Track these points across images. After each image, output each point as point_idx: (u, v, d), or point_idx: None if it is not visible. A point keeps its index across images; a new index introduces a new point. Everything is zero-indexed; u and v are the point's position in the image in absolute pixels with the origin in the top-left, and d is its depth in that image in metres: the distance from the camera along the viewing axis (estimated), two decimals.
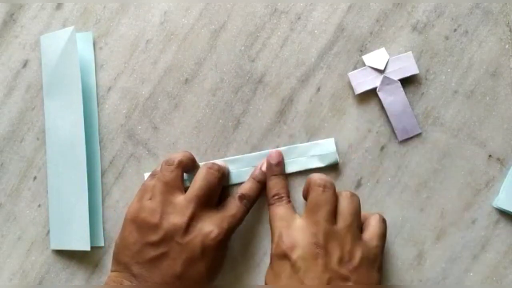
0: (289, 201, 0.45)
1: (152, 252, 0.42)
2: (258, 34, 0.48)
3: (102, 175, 0.48)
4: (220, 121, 0.48)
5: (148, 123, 0.48)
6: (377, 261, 0.41)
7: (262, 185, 0.46)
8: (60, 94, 0.47)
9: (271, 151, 0.47)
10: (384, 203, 0.47)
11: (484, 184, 0.47)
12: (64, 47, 0.47)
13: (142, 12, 0.48)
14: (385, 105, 0.46)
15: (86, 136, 0.46)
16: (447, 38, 0.47)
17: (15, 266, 0.49)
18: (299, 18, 0.48)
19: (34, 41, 0.49)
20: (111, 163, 0.48)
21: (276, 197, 0.45)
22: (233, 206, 0.45)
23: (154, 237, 0.42)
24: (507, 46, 0.47)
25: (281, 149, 0.47)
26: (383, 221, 0.43)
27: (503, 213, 0.46)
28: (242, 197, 0.45)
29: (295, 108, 0.47)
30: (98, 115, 0.48)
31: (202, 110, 0.48)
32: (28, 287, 0.48)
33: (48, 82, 0.48)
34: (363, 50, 0.47)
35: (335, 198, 0.42)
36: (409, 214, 0.47)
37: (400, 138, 0.47)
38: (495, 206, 0.46)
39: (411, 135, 0.47)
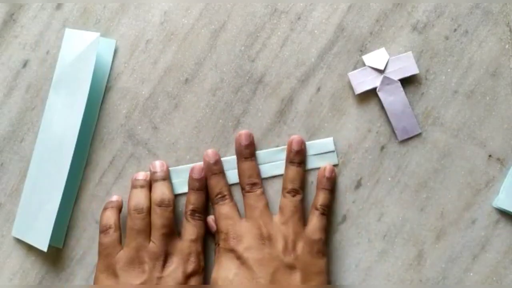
0: (232, 199, 0.47)
1: None
2: (258, 34, 0.48)
3: (102, 175, 0.48)
4: (220, 121, 0.48)
5: (148, 123, 0.48)
6: (321, 251, 0.45)
7: (203, 190, 0.47)
8: (66, 94, 0.47)
9: (207, 150, 0.47)
10: (384, 203, 0.47)
11: (484, 184, 0.47)
12: (85, 49, 0.47)
13: (142, 12, 0.48)
14: (385, 105, 0.46)
15: (77, 141, 0.46)
16: (447, 38, 0.47)
17: (15, 266, 0.49)
18: (299, 18, 0.48)
19: (34, 41, 0.49)
20: (111, 163, 0.48)
21: (219, 195, 0.46)
22: (190, 228, 0.46)
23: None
24: (507, 46, 0.47)
25: (280, 148, 0.47)
26: (323, 215, 0.46)
27: (503, 213, 0.46)
28: (193, 214, 0.46)
29: (295, 108, 0.47)
30: (98, 115, 0.48)
31: (202, 110, 0.48)
32: (28, 287, 0.48)
33: (59, 76, 0.48)
34: (363, 50, 0.47)
35: (263, 195, 0.46)
36: (409, 214, 0.47)
37: (400, 138, 0.47)
38: (495, 206, 0.46)
39: (411, 135, 0.47)
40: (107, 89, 0.48)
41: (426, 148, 0.47)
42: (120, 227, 0.45)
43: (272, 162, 0.47)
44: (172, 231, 0.45)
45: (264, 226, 0.44)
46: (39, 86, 0.49)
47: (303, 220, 0.45)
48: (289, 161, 0.47)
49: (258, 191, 0.46)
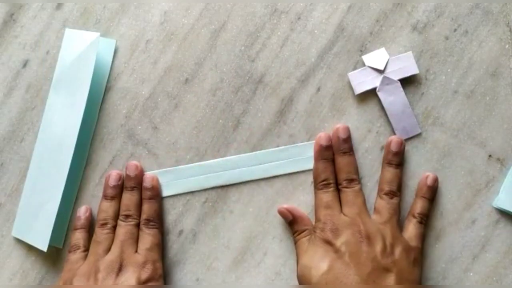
0: (336, 189, 0.45)
1: None
2: (258, 34, 0.48)
3: (102, 175, 0.48)
4: (220, 121, 0.48)
5: (148, 123, 0.48)
6: (417, 260, 0.43)
7: (155, 199, 0.47)
8: (66, 94, 0.47)
9: (321, 134, 0.46)
10: None
11: (484, 184, 0.47)
12: (84, 49, 0.46)
13: (142, 12, 0.48)
14: (385, 105, 0.46)
15: (77, 141, 0.46)
16: (447, 38, 0.47)
17: (15, 266, 0.49)
18: (299, 18, 0.48)
19: (34, 41, 0.49)
20: (111, 163, 0.48)
21: (325, 182, 0.45)
22: (144, 238, 0.45)
23: None
24: (507, 46, 0.47)
25: (280, 148, 0.47)
26: (420, 223, 0.45)
27: (503, 213, 0.46)
28: (147, 223, 0.46)
29: (295, 108, 0.47)
30: (98, 115, 0.48)
31: (202, 110, 0.48)
32: (28, 287, 0.48)
33: (59, 76, 0.48)
34: (363, 50, 0.47)
35: (361, 192, 0.45)
36: None
37: None
38: (495, 206, 0.46)
39: (411, 135, 0.47)
40: (107, 89, 0.48)
41: (426, 148, 0.47)
42: (88, 246, 0.46)
43: (272, 162, 0.47)
44: (133, 242, 0.45)
45: (363, 224, 0.43)
46: (39, 86, 0.49)
47: (400, 224, 0.45)
48: (387, 162, 0.46)
49: (356, 187, 0.45)
